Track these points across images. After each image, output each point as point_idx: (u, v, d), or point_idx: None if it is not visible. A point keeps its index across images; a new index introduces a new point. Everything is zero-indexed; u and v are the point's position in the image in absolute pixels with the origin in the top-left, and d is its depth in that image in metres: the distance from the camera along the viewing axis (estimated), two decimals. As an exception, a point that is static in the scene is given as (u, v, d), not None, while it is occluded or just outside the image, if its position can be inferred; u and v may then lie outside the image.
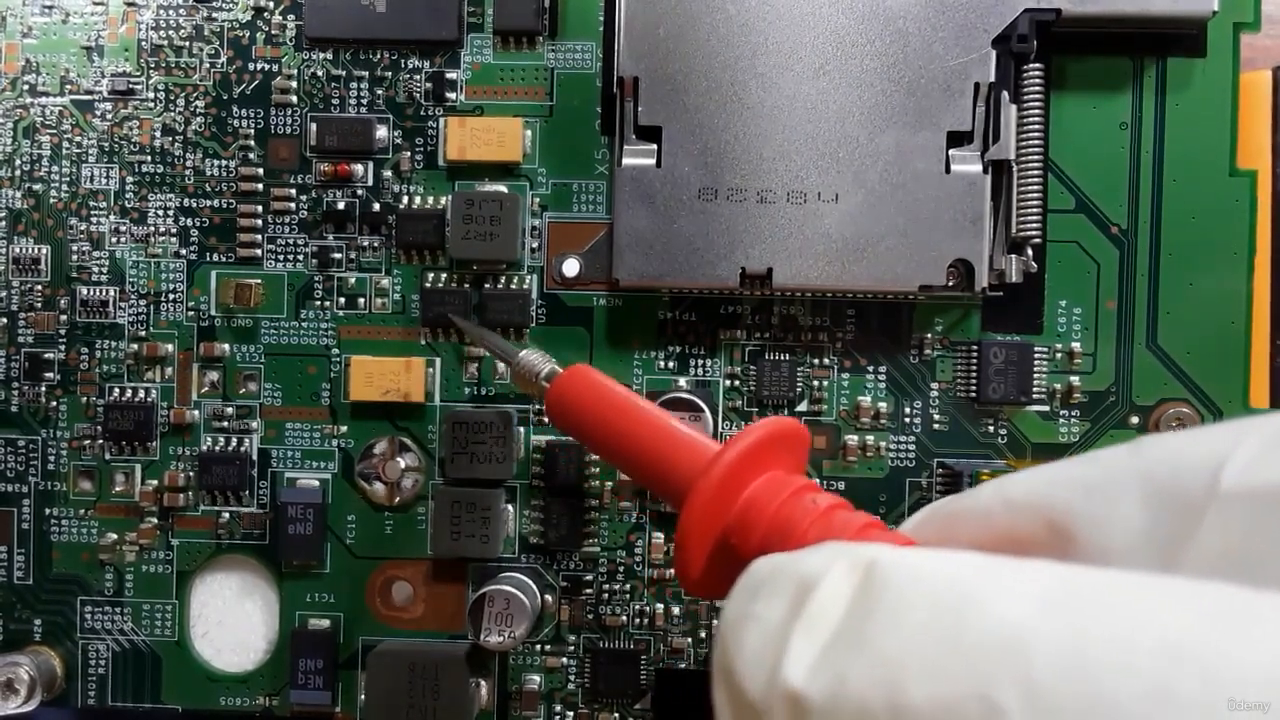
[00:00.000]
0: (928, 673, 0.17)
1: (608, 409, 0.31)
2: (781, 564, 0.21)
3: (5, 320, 0.39)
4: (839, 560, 0.19)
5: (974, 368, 0.37)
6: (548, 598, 0.38)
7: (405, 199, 0.38)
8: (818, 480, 0.38)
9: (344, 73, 0.38)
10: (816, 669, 0.18)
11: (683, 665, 0.38)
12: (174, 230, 0.39)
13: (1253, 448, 0.19)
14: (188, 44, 0.39)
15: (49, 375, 0.39)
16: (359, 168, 0.38)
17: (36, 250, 0.39)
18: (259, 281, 0.38)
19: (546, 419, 0.36)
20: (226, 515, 0.39)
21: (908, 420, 0.38)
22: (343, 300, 0.38)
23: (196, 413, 0.39)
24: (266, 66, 0.38)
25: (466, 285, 0.38)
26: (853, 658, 0.18)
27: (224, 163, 0.38)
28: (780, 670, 0.19)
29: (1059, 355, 0.37)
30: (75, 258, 0.39)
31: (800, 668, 0.18)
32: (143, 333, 0.39)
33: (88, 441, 0.39)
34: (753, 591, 0.21)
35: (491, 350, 0.37)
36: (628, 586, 0.38)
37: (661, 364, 0.38)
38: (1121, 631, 0.16)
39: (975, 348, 0.37)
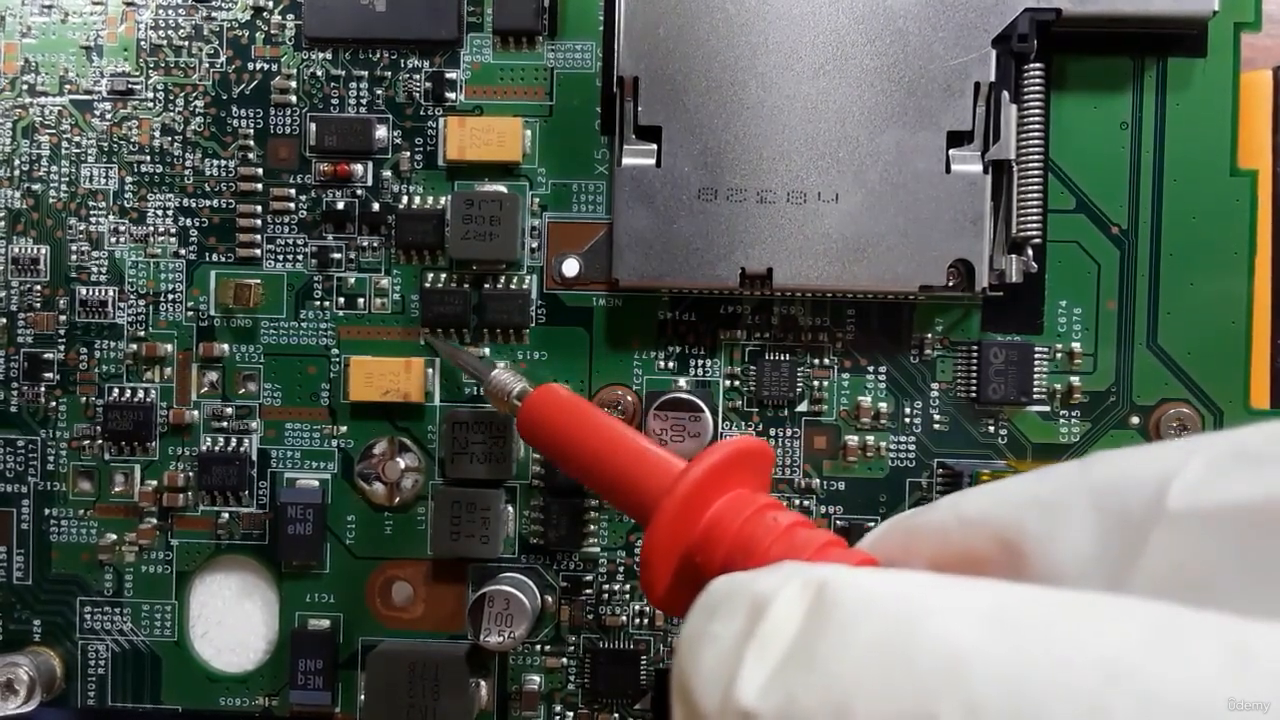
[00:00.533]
0: (874, 693, 0.17)
1: (577, 427, 0.32)
2: (738, 583, 0.21)
3: (5, 320, 0.39)
4: (792, 580, 0.20)
5: (974, 368, 0.37)
6: (548, 598, 0.38)
7: (405, 199, 0.38)
8: (817, 481, 0.38)
9: (343, 73, 0.38)
10: (767, 689, 0.18)
11: (683, 665, 0.38)
12: (173, 230, 0.39)
13: (1199, 467, 0.19)
14: (187, 44, 0.38)
15: (48, 375, 0.39)
16: (358, 168, 0.38)
17: (36, 250, 0.39)
18: (258, 281, 0.38)
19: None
20: (226, 515, 0.38)
21: (908, 420, 0.38)
22: (342, 300, 0.38)
23: (196, 413, 0.39)
24: (266, 66, 0.38)
25: (466, 285, 0.38)
26: (802, 678, 0.18)
27: (223, 163, 0.38)
28: (733, 690, 0.19)
29: (1059, 355, 0.37)
30: (74, 258, 0.39)
31: (752, 687, 0.19)
32: (142, 333, 0.39)
33: (87, 442, 0.39)
34: (710, 610, 0.21)
35: (465, 369, 0.37)
36: (628, 587, 0.38)
37: (661, 364, 0.38)
38: (1060, 651, 0.16)
39: (975, 348, 0.37)
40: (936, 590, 0.18)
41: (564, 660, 0.38)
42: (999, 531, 0.22)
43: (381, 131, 0.38)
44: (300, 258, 0.38)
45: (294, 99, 0.38)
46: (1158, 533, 0.19)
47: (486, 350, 0.38)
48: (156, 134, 0.39)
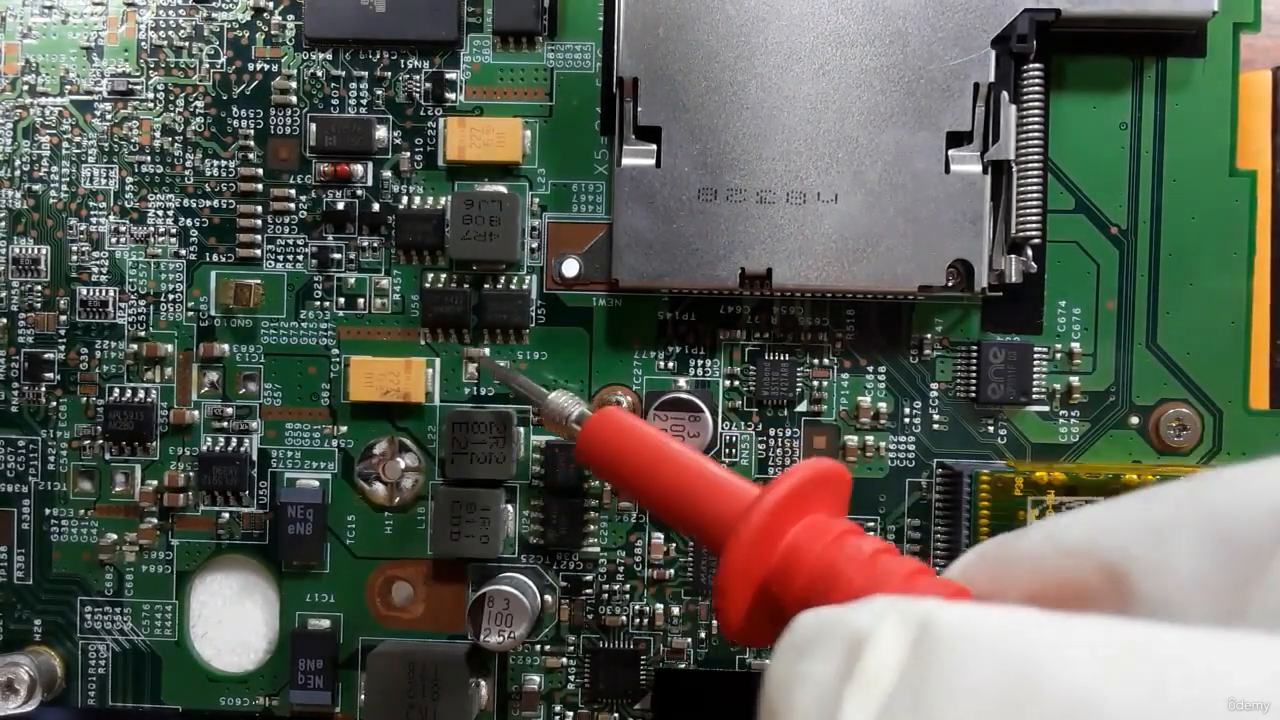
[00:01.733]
0: None
1: (641, 452, 0.31)
2: (829, 620, 0.20)
3: (5, 320, 0.39)
4: (889, 615, 0.19)
5: (974, 368, 0.37)
6: (548, 598, 0.38)
7: (405, 199, 0.38)
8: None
9: (344, 73, 0.38)
10: None
11: (682, 665, 0.38)
12: (174, 230, 0.39)
13: None
14: (187, 44, 0.39)
15: (49, 375, 0.39)
16: (359, 168, 0.38)
17: (36, 250, 0.39)
18: (258, 282, 0.38)
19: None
20: (226, 515, 0.39)
21: (907, 420, 0.38)
22: (342, 300, 0.38)
23: (196, 413, 0.39)
24: (266, 67, 0.38)
25: (466, 285, 0.38)
26: None
27: (224, 163, 0.38)
28: None
29: (1059, 355, 0.37)
30: (75, 258, 0.39)
31: None
32: (142, 333, 0.39)
33: (88, 442, 0.39)
34: (800, 649, 0.20)
35: (519, 392, 0.36)
36: (628, 586, 0.38)
37: (661, 364, 0.38)
38: (1194, 694, 0.15)
39: (975, 348, 0.37)
40: (1051, 628, 0.17)
41: (564, 660, 0.38)
42: (1103, 560, 0.20)
43: (381, 132, 0.38)
44: (300, 258, 0.38)
45: (294, 99, 0.38)
46: (1279, 558, 0.18)
47: (486, 350, 0.38)
48: (157, 134, 0.39)
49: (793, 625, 0.21)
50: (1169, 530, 0.20)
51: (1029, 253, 0.36)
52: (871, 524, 0.38)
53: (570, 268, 0.38)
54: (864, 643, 0.18)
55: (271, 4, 0.38)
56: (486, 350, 0.38)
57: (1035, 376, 0.37)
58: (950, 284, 0.36)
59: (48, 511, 0.39)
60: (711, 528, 0.28)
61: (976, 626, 0.17)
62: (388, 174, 0.38)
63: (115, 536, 0.39)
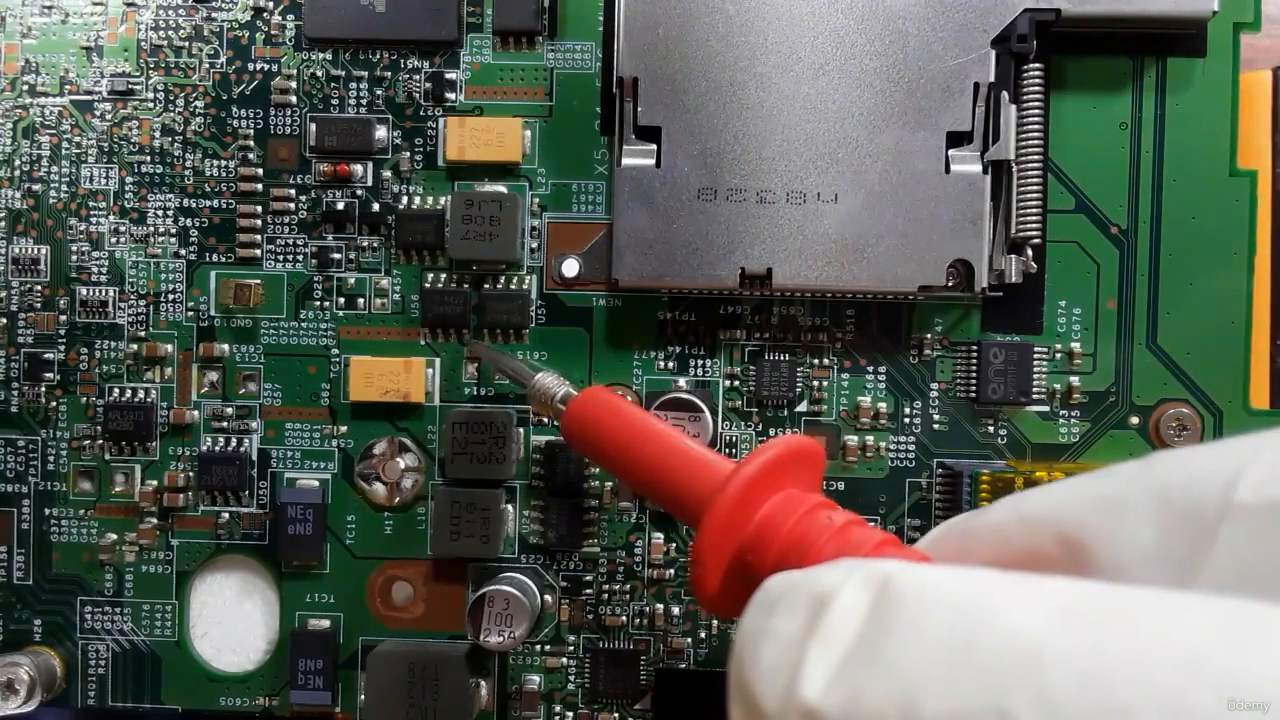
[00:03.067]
0: (942, 686, 0.17)
1: (623, 430, 0.31)
2: (797, 580, 0.21)
3: (5, 320, 0.39)
4: (854, 575, 0.19)
5: (974, 368, 0.37)
6: (548, 598, 0.38)
7: (405, 199, 0.38)
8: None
9: (343, 73, 0.38)
10: (832, 684, 0.18)
11: (683, 665, 0.38)
12: (173, 230, 0.39)
13: (1268, 462, 0.19)
14: (187, 44, 0.39)
15: (49, 375, 0.39)
16: (358, 168, 0.38)
17: (36, 250, 0.39)
18: (258, 282, 0.38)
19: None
20: (226, 515, 0.39)
21: (907, 420, 0.38)
22: (342, 300, 0.38)
23: (196, 413, 0.39)
24: (266, 67, 0.38)
25: (466, 285, 0.38)
26: (868, 672, 0.18)
27: (223, 163, 0.38)
28: (796, 685, 0.19)
29: (1059, 355, 0.37)
30: (75, 258, 0.39)
31: (816, 683, 0.18)
32: (142, 333, 0.39)
33: (87, 442, 0.39)
34: (768, 607, 0.21)
35: (506, 373, 0.36)
36: (628, 586, 0.38)
37: (661, 364, 0.38)
38: (1137, 645, 0.16)
39: (975, 348, 0.37)
40: (1006, 585, 0.18)
41: (564, 660, 0.38)
42: (1061, 530, 0.21)
43: (381, 132, 0.38)
44: (300, 258, 0.38)
45: (294, 99, 0.38)
46: (1226, 528, 0.19)
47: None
48: (157, 134, 0.39)
49: (763, 586, 0.22)
50: (1124, 501, 0.21)
51: (1029, 253, 0.36)
52: (872, 524, 0.37)
53: (570, 268, 0.38)
54: (828, 600, 0.19)
55: (271, 4, 0.38)
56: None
57: (1035, 376, 0.37)
58: (950, 284, 0.36)
59: (48, 511, 0.39)
60: (690, 501, 0.29)
61: (934, 583, 0.18)
62: (388, 174, 0.38)
63: (115, 536, 0.39)
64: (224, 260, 0.39)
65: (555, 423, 0.35)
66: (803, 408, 0.38)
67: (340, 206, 0.38)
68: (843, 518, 0.26)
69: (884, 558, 0.23)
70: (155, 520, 0.39)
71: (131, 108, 0.39)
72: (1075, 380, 0.37)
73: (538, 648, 0.38)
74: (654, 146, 0.36)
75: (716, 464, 0.29)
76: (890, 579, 0.19)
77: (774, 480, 0.27)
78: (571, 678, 0.38)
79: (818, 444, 0.29)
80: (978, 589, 0.18)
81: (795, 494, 0.27)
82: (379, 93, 0.38)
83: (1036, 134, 0.36)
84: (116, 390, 0.38)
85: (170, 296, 0.39)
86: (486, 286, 0.38)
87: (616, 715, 0.38)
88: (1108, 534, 0.21)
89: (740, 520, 0.27)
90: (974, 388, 0.37)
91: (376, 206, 0.38)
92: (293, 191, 0.38)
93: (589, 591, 0.38)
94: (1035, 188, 0.36)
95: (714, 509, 0.27)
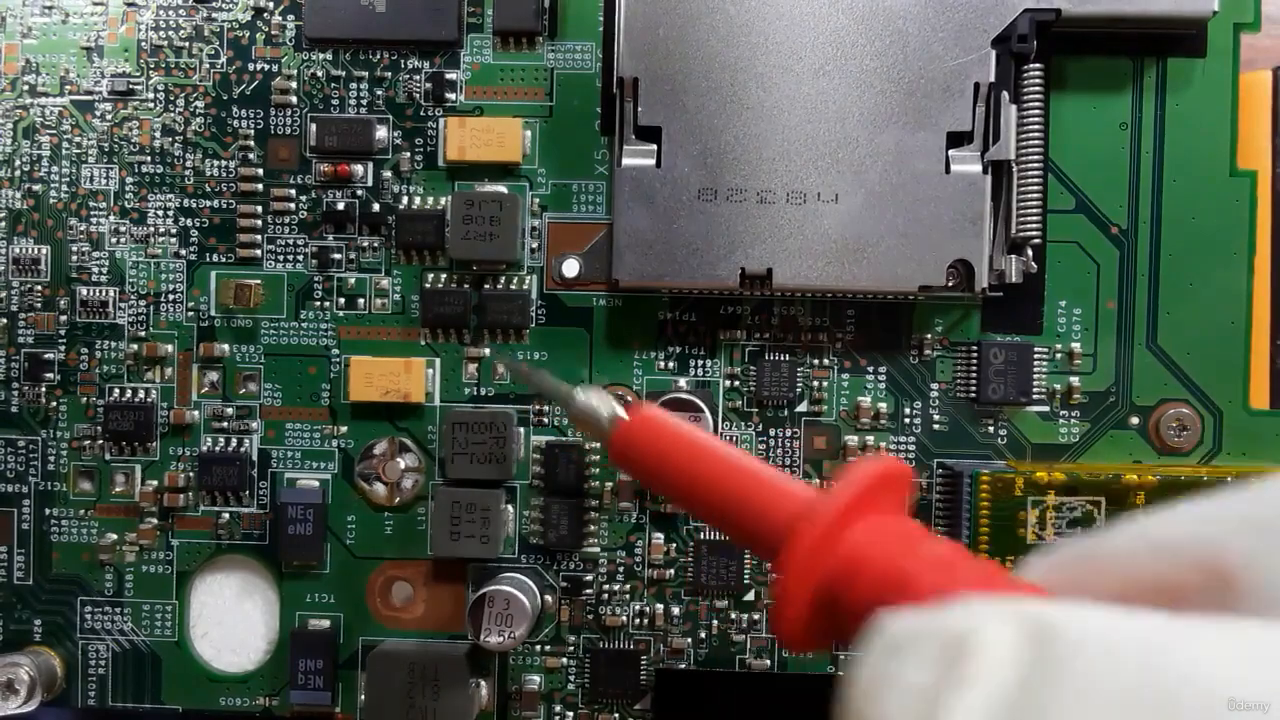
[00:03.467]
0: None
1: (683, 454, 0.29)
2: (925, 621, 0.19)
3: (5, 320, 0.39)
4: (997, 618, 0.17)
5: (974, 368, 0.37)
6: (548, 598, 0.38)
7: (405, 199, 0.38)
8: (817, 482, 0.38)
9: (344, 73, 0.38)
10: None
11: (683, 665, 0.38)
12: (174, 230, 0.39)
13: None
14: (187, 44, 0.39)
15: (49, 375, 0.39)
16: (359, 168, 0.38)
17: (36, 250, 0.39)
18: (259, 282, 0.38)
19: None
20: (226, 515, 0.39)
21: (908, 421, 0.38)
22: (342, 300, 0.38)
23: (196, 413, 0.39)
24: (266, 67, 0.38)
25: (466, 286, 0.38)
26: None
27: (224, 163, 0.38)
28: None
29: (1059, 355, 0.37)
30: (75, 258, 0.39)
31: None
32: (143, 333, 0.39)
33: (88, 442, 0.39)
34: (892, 652, 0.19)
35: (546, 393, 0.35)
36: (628, 586, 0.38)
37: (661, 364, 0.38)
38: None
39: (975, 348, 0.37)
40: (1183, 632, 0.16)
41: (564, 660, 0.38)
42: (1202, 557, 0.19)
43: (381, 132, 0.38)
44: (300, 258, 0.38)
45: (294, 99, 0.38)
46: None
47: (486, 351, 0.38)
48: (157, 134, 0.39)
49: (880, 627, 0.19)
50: (1276, 522, 0.18)
51: (1029, 253, 0.36)
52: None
53: (570, 268, 0.38)
54: (967, 645, 0.17)
55: (271, 4, 0.38)
56: (486, 351, 0.38)
57: (1035, 376, 0.37)
58: (950, 284, 0.36)
59: (48, 511, 0.39)
60: (765, 531, 0.27)
61: (1103, 629, 0.16)
62: (388, 174, 0.38)
63: (115, 537, 0.39)
64: (224, 260, 0.39)
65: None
66: (803, 408, 0.38)
67: (340, 207, 0.38)
68: (945, 547, 0.24)
69: (1021, 595, 0.21)
70: (155, 520, 0.39)
71: (132, 108, 0.39)
72: (1075, 380, 0.37)
73: (538, 648, 0.38)
74: (654, 147, 0.36)
75: (793, 490, 0.27)
76: (1048, 623, 0.17)
77: (861, 505, 0.25)
78: (571, 678, 0.38)
79: (906, 466, 0.27)
80: (1153, 637, 0.16)
81: (886, 520, 0.25)
82: (379, 93, 0.38)
83: (1037, 134, 0.36)
84: (117, 390, 0.38)
85: (170, 296, 0.39)
86: (487, 287, 0.38)
87: (616, 715, 0.38)
88: (1259, 563, 0.18)
89: (826, 550, 0.25)
90: (974, 388, 0.37)
91: (377, 207, 0.38)
92: (293, 192, 0.38)
93: (589, 591, 0.38)
94: (1035, 188, 0.36)
95: (799, 540, 0.24)
